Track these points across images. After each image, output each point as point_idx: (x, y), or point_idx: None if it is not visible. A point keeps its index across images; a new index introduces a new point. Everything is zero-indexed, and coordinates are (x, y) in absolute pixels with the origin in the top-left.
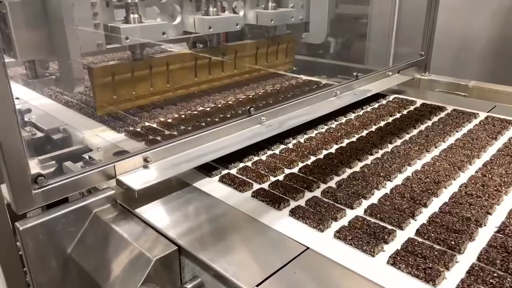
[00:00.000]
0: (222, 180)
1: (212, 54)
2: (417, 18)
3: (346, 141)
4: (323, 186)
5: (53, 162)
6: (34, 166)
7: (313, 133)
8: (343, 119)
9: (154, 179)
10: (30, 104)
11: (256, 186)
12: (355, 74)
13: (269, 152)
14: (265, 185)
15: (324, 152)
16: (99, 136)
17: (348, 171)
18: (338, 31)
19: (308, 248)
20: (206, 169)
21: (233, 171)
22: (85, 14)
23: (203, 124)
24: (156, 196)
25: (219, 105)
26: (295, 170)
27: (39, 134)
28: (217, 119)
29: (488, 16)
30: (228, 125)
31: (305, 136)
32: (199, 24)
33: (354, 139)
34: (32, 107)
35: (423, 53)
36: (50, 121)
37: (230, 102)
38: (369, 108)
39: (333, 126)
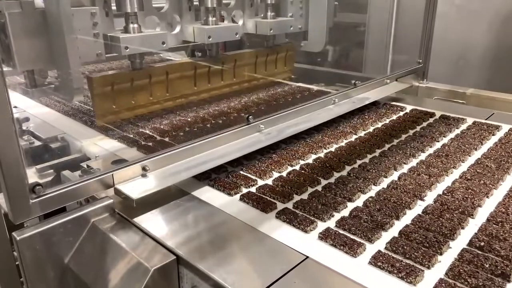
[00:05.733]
0: (243, 199)
1: (211, 63)
2: (415, 26)
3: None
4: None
5: (51, 171)
6: (32, 175)
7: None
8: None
9: (153, 188)
10: (28, 112)
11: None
12: (353, 82)
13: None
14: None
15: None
16: (97, 145)
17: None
18: (336, 39)
19: (307, 257)
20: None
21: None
22: (85, 24)
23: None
24: (154, 205)
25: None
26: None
27: (37, 143)
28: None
29: (485, 25)
30: (227, 133)
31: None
32: (198, 34)
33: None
34: (30, 115)
35: (420, 61)
36: (48, 129)
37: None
38: (387, 121)
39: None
